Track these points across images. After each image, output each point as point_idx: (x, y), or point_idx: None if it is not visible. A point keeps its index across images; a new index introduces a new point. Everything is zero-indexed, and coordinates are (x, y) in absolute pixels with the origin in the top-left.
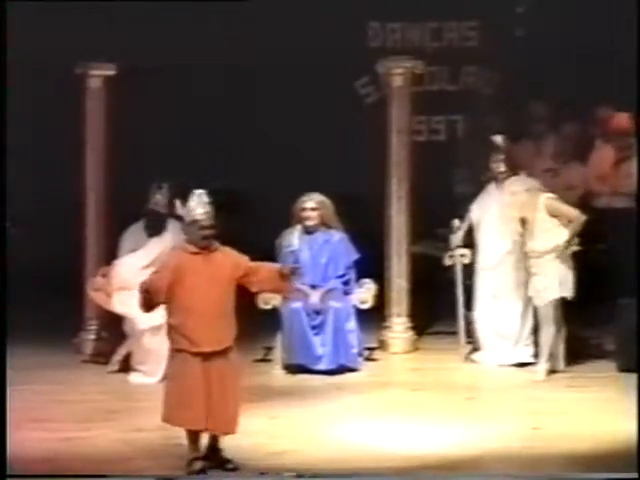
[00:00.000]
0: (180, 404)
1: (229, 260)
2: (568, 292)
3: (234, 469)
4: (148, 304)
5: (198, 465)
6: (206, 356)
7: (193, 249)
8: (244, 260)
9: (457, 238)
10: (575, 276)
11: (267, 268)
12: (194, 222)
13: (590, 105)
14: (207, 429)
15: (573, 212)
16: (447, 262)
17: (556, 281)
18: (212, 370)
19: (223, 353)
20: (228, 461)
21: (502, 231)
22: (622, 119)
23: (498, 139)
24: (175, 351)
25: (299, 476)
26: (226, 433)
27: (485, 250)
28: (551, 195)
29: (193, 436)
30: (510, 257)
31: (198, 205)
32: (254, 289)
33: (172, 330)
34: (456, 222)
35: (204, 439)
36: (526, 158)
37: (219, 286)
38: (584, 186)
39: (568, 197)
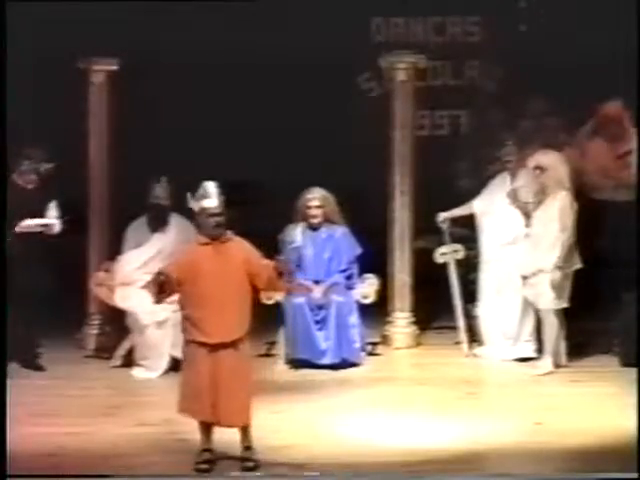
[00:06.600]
0: (189, 395)
1: (241, 252)
2: (564, 303)
3: (251, 469)
4: (159, 294)
5: (205, 456)
6: (215, 347)
7: (204, 240)
8: (255, 256)
9: (450, 214)
10: (575, 275)
11: (269, 268)
12: (203, 210)
13: (591, 100)
14: (218, 422)
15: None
16: (439, 260)
17: (552, 293)
18: (221, 362)
19: (233, 345)
20: (248, 459)
21: (507, 222)
22: (612, 107)
23: (511, 129)
24: (187, 342)
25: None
26: (234, 426)
27: (489, 241)
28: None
29: (204, 427)
30: (513, 249)
31: (207, 194)
32: (261, 287)
33: (185, 321)
34: (441, 215)
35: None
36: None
37: (229, 277)
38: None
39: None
